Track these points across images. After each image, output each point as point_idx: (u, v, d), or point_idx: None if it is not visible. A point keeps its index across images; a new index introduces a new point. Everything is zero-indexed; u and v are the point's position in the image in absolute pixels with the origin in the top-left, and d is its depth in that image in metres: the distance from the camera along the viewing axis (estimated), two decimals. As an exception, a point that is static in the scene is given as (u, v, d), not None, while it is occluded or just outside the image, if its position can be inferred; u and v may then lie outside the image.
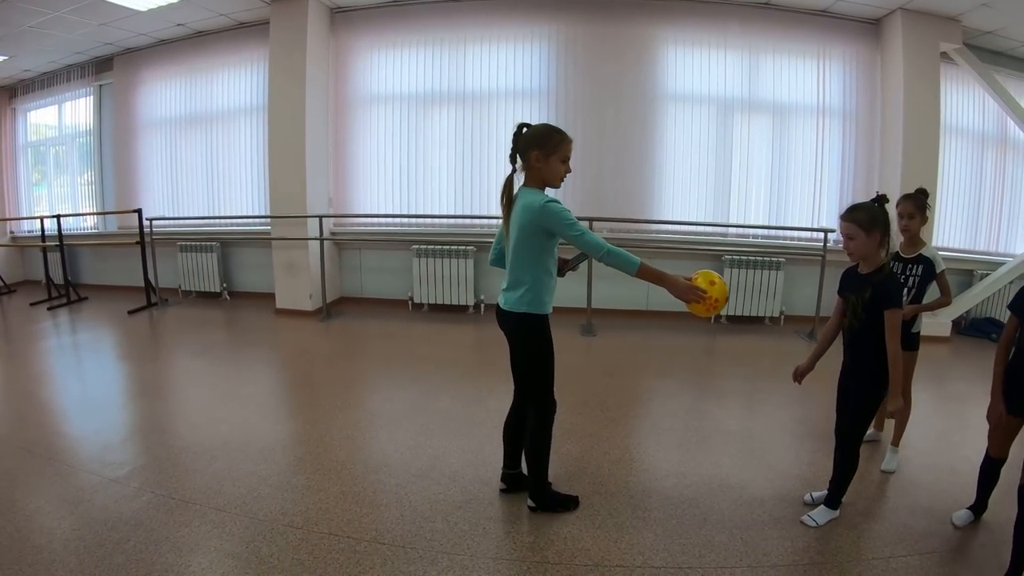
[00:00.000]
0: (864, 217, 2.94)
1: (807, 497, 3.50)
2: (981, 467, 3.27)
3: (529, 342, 3.05)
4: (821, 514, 3.30)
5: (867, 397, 3.13)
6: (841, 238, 3.07)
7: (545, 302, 3.01)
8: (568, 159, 2.96)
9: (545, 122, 3.01)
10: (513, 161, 2.97)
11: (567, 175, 2.99)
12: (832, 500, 3.32)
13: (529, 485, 3.26)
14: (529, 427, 3.17)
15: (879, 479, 3.83)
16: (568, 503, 3.29)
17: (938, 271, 3.86)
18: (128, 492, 3.29)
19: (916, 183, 4.09)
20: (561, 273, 3.14)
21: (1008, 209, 8.21)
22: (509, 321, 3.04)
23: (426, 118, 7.76)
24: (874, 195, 3.04)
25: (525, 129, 2.94)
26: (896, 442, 4.13)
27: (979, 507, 3.32)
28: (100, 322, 7.17)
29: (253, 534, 2.96)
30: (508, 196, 3.01)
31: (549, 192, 2.96)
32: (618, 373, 5.65)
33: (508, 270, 3.03)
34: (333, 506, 3.24)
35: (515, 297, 2.97)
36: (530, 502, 3.24)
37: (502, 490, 3.42)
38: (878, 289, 2.98)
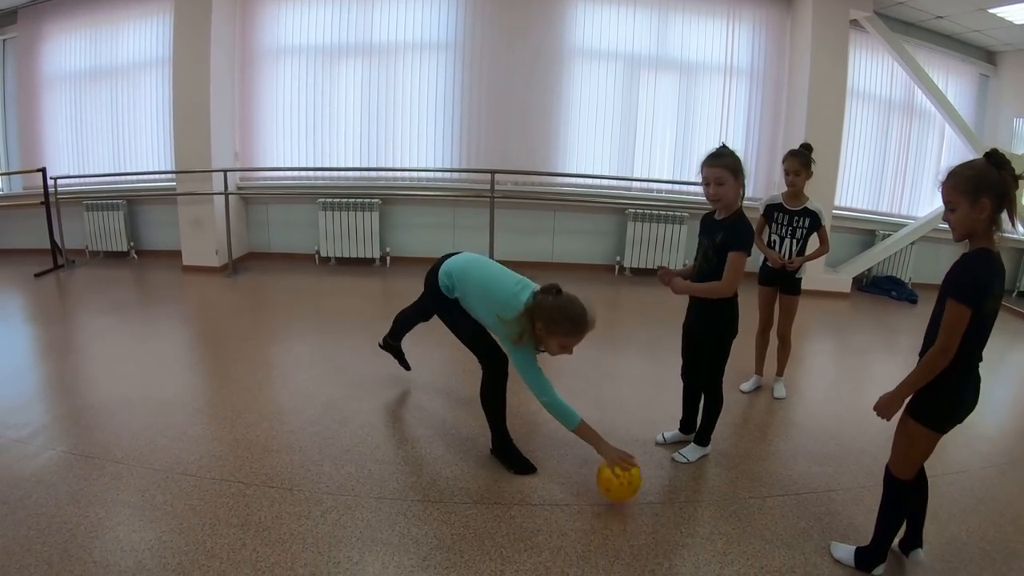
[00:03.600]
0: (734, 162, 3.04)
1: (658, 437, 3.71)
2: None
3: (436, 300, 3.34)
4: (692, 451, 3.50)
5: (721, 337, 3.28)
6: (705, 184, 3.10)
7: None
8: (568, 347, 2.94)
9: (575, 301, 2.91)
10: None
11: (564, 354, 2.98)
12: (702, 437, 3.50)
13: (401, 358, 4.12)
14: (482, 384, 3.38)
15: (763, 423, 4.09)
16: (524, 467, 3.33)
17: (822, 223, 4.19)
18: (30, 451, 3.33)
19: (820, 144, 4.31)
20: None
21: (911, 174, 8.62)
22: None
23: (333, 71, 7.72)
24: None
25: (553, 298, 2.89)
26: (781, 372, 4.52)
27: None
28: (6, 287, 6.99)
29: (148, 484, 3.06)
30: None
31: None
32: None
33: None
34: (226, 454, 3.37)
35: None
36: (492, 449, 3.46)
37: (379, 345, 4.19)
38: (729, 232, 3.09)
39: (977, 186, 2.11)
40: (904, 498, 2.51)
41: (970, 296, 2.14)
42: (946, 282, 2.21)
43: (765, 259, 4.38)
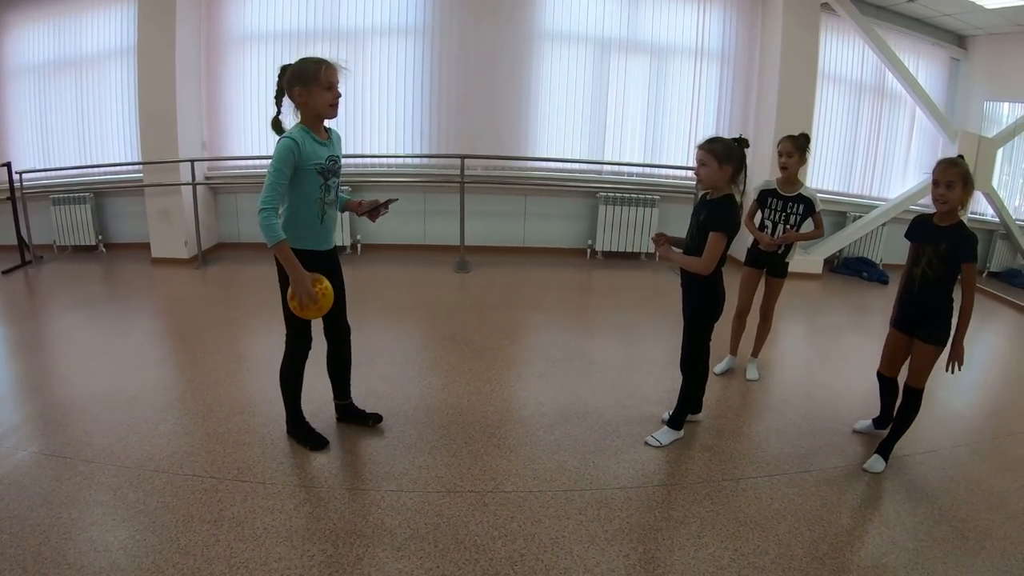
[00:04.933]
0: (720, 148, 3.16)
1: (665, 416, 3.71)
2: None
3: (279, 271, 3.12)
4: (664, 435, 3.55)
5: (697, 313, 3.41)
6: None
7: (297, 236, 3.09)
8: (333, 84, 2.93)
9: (305, 56, 2.99)
10: (278, 103, 3.01)
11: (338, 100, 2.98)
12: (675, 421, 3.56)
13: (361, 416, 3.58)
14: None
15: (736, 404, 4.14)
16: (318, 442, 3.38)
17: (816, 209, 4.24)
18: (1, 453, 3.29)
19: (790, 127, 4.37)
20: (370, 217, 3.29)
21: (882, 156, 8.71)
22: None
23: (299, 56, 7.57)
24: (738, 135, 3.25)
25: (285, 70, 2.97)
26: (756, 353, 4.57)
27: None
28: (-28, 285, 6.89)
29: (120, 482, 3.04)
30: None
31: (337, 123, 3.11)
32: (488, 308, 5.88)
33: None
34: (198, 448, 3.36)
35: None
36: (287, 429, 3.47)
37: (338, 419, 3.66)
38: (711, 213, 3.21)
39: (969, 177, 3.06)
40: (920, 401, 3.37)
41: (977, 256, 3.10)
42: (965, 252, 3.08)
43: (754, 241, 4.42)
